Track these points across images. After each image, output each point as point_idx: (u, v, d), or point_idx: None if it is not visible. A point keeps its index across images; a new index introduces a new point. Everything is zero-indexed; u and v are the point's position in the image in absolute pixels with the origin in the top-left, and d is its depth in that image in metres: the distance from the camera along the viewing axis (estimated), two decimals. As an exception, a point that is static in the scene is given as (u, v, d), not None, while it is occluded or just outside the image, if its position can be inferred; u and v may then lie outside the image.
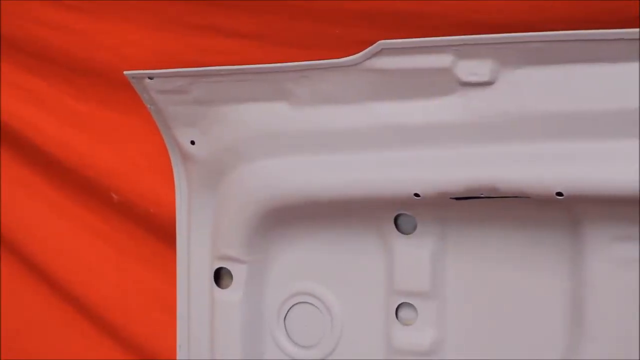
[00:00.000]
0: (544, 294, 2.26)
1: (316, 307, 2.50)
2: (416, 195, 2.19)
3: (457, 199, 2.20)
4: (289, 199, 2.36)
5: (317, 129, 2.31)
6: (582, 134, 2.04)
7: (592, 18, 2.06)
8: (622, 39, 1.98)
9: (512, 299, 2.29)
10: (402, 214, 2.34)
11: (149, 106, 2.48)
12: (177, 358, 2.60)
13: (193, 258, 2.58)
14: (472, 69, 2.11)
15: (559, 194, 2.05)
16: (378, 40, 2.16)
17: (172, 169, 2.58)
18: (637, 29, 1.96)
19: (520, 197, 2.14)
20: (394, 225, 2.35)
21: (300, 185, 2.34)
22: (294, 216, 2.42)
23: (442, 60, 2.13)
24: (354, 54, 2.18)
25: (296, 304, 2.53)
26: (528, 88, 2.08)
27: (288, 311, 2.53)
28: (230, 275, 2.51)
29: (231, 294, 2.51)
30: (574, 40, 2.00)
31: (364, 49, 2.18)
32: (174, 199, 2.56)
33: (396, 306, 2.39)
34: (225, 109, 2.45)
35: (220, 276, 2.54)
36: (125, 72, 2.41)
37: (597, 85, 2.05)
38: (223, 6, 2.51)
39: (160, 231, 2.92)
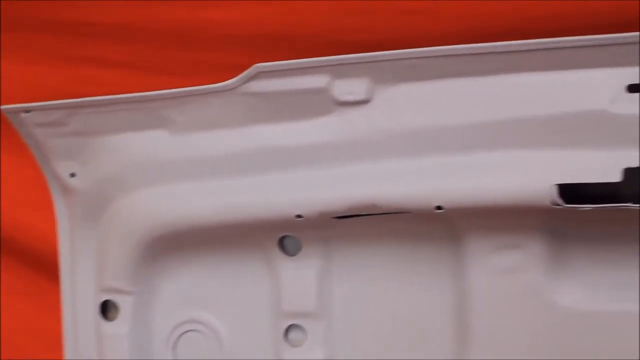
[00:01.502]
0: (430, 307, 2.25)
1: (205, 334, 2.43)
2: (298, 216, 2.15)
3: (339, 218, 2.15)
4: (171, 227, 2.29)
5: (197, 156, 2.25)
6: (458, 147, 2.04)
7: (460, 33, 2.04)
8: (491, 53, 1.96)
9: (399, 314, 2.27)
10: (286, 235, 2.28)
11: (26, 140, 2.37)
12: (67, 394, 2.50)
13: (78, 292, 2.49)
14: (348, 88, 2.09)
15: (439, 207, 2.04)
16: (253, 64, 2.10)
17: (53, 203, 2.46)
18: (506, 42, 1.97)
19: (401, 212, 2.07)
20: (278, 248, 2.30)
21: (183, 212, 2.28)
22: (178, 244, 2.35)
23: (317, 80, 2.10)
24: (231, 78, 2.11)
25: (185, 332, 2.46)
26: (403, 104, 2.07)
27: (177, 340, 2.46)
28: (117, 307, 2.42)
29: (118, 326, 2.42)
30: (445, 55, 1.98)
31: (240, 73, 2.10)
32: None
33: (285, 328, 2.34)
34: (104, 140, 2.38)
35: (106, 309, 2.45)
36: (1, 107, 2.30)
37: (469, 99, 2.05)
38: (96, 37, 2.44)
39: (44, 267, 2.80)
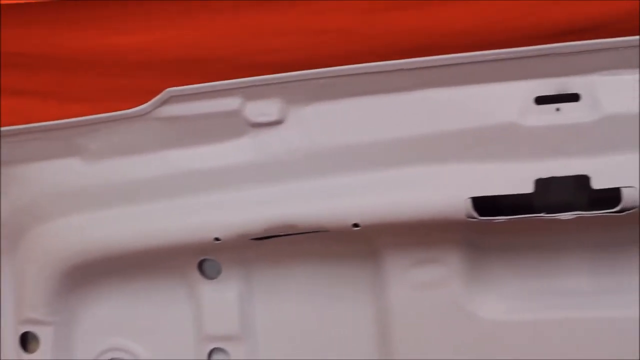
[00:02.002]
0: (352, 324, 2.24)
1: (127, 361, 2.37)
2: (216, 239, 2.13)
3: (258, 239, 2.12)
4: (89, 255, 2.25)
5: (111, 182, 2.23)
6: (372, 164, 2.05)
7: (370, 51, 2.04)
8: (402, 69, 1.96)
9: (321, 333, 2.27)
10: (205, 259, 2.25)
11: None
12: None
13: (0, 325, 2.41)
14: (261, 109, 2.08)
15: (355, 225, 2.02)
16: (165, 89, 2.07)
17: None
18: (415, 59, 2.00)
19: (319, 231, 2.06)
20: (198, 271, 2.26)
21: (100, 240, 2.24)
22: (97, 272, 2.31)
23: (230, 103, 2.09)
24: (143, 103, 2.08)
25: (108, 360, 2.39)
26: (317, 124, 2.07)
27: (100, 369, 2.39)
28: (37, 339, 2.35)
29: (39, 358, 2.34)
30: (356, 73, 1.98)
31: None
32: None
33: (208, 352, 2.31)
34: (18, 170, 2.33)
35: (26, 340, 2.38)
36: None
37: (382, 116, 2.06)
38: (6, 67, 2.37)
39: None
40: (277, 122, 2.08)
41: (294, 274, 2.24)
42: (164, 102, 2.10)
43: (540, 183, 1.97)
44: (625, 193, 1.92)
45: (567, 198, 2.02)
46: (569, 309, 2.08)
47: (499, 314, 2.12)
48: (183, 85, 2.11)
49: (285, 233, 2.13)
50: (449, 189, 2.01)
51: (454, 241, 2.09)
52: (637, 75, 1.96)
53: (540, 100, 1.98)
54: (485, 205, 2.00)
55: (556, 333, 2.06)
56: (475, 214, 1.97)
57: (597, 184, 1.95)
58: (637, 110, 1.96)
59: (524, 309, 2.10)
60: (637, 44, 1.93)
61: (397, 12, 2.05)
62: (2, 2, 2.19)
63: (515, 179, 1.98)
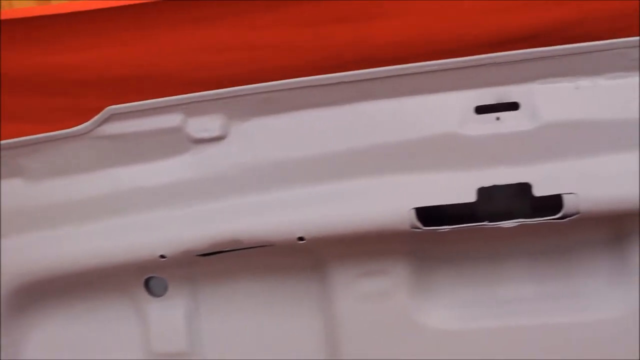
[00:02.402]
0: (301, 337, 2.24)
1: (75, 382, 2.34)
2: (162, 256, 2.11)
3: (204, 255, 2.10)
4: (34, 276, 2.22)
5: (55, 202, 2.20)
6: (316, 177, 2.05)
7: (311, 65, 2.04)
8: (343, 82, 1.98)
9: (270, 347, 2.25)
10: (151, 276, 2.22)
11: None
12: None
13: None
14: (203, 125, 2.06)
15: (301, 238, 2.01)
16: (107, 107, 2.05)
17: None
18: (356, 71, 2.01)
19: (265, 246, 2.05)
20: (144, 289, 2.23)
21: (45, 260, 2.21)
22: (44, 292, 2.28)
23: (171, 119, 2.07)
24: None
25: (56, 381, 2.36)
26: (259, 138, 2.06)
27: (48, 389, 2.36)
28: (-16, 361, 2.31)
29: (-14, 380, 2.31)
30: (297, 87, 1.98)
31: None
32: None
33: None
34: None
35: (-27, 365, 2.33)
36: None
37: (325, 129, 2.06)
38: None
39: None
40: (219, 138, 2.06)
41: (241, 288, 2.22)
42: (105, 121, 2.08)
43: (483, 192, 1.98)
44: (566, 200, 1.93)
45: (509, 206, 2.03)
46: (513, 316, 2.09)
47: (445, 323, 2.12)
48: (124, 103, 2.06)
49: (231, 248, 2.10)
50: (392, 200, 2.00)
51: (400, 252, 2.09)
52: (574, 83, 1.94)
53: (481, 109, 1.99)
54: (429, 215, 1.99)
55: (501, 340, 2.06)
56: (419, 225, 1.97)
57: (538, 191, 1.96)
58: (575, 117, 1.94)
59: (469, 317, 2.11)
60: (573, 52, 1.93)
61: (335, 25, 2.03)
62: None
63: (458, 188, 1.98)
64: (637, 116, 1.95)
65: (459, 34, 2.00)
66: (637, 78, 1.96)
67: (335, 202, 2.03)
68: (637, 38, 1.92)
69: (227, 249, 2.12)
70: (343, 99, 2.01)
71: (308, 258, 2.13)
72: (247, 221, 2.06)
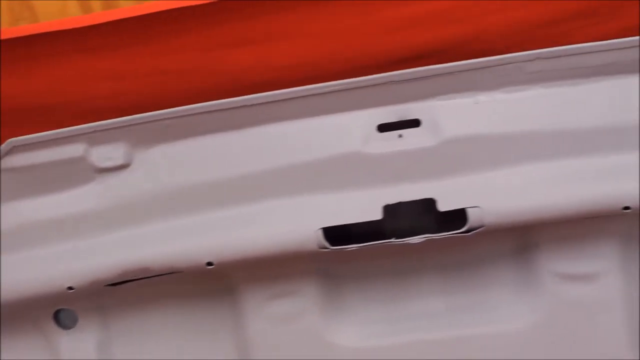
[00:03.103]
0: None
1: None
2: (70, 288, 2.06)
3: (114, 285, 2.06)
4: None
5: None
6: (222, 201, 2.05)
7: (213, 89, 2.02)
8: (244, 106, 2.02)
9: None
10: (61, 309, 2.16)
11: None
12: None
13: None
14: (106, 154, 2.04)
15: (209, 263, 1.99)
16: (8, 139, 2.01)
17: None
18: (256, 95, 2.02)
19: (175, 272, 2.02)
20: (54, 322, 2.18)
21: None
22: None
23: (74, 149, 2.04)
24: (-13, 155, 2.02)
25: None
26: (164, 165, 2.03)
27: None
28: None
29: None
30: (199, 112, 1.98)
31: (-5, 149, 2.02)
32: None
33: None
34: None
35: None
36: None
37: (228, 153, 2.08)
38: None
39: None
40: (123, 166, 2.04)
41: (153, 317, 2.19)
42: (8, 153, 2.03)
43: (389, 209, 1.98)
44: (470, 213, 1.93)
45: (415, 222, 2.02)
46: (424, 331, 2.09)
47: (357, 341, 2.12)
48: (27, 134, 2.02)
49: (140, 277, 2.06)
50: (299, 221, 2.00)
51: (309, 272, 2.08)
52: (473, 98, 1.95)
53: (383, 127, 1.99)
54: (337, 234, 1.97)
55: (414, 355, 2.06)
56: (326, 244, 1.96)
57: (443, 206, 1.96)
58: (475, 131, 1.97)
59: (381, 334, 2.11)
60: (471, 68, 1.98)
61: (237, 49, 2.02)
62: None
63: (364, 206, 1.98)
64: (537, 128, 1.95)
65: (358, 54, 2.01)
66: (536, 90, 1.96)
67: (242, 226, 2.02)
68: (535, 51, 1.93)
69: (136, 278, 2.06)
70: (246, 122, 2.00)
71: (218, 283, 2.11)
72: (155, 248, 2.03)
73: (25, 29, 2.08)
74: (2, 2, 2.25)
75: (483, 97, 1.99)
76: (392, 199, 2.00)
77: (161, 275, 2.09)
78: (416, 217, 2.03)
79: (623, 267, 2.06)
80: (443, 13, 1.99)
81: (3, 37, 2.07)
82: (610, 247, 2.04)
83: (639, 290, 2.10)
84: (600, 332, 2.06)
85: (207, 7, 2.00)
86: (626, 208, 1.96)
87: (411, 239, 1.98)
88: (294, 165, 2.02)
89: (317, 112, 2.00)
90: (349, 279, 2.13)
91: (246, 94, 2.01)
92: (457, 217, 1.98)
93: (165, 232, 2.03)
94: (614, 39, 1.95)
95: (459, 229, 1.97)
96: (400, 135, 2.00)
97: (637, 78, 1.97)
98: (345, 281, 2.13)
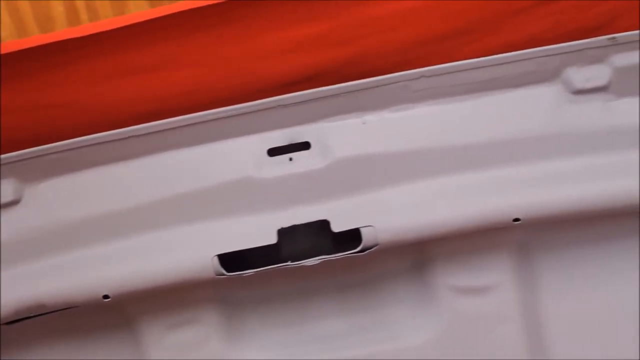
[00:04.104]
0: None
1: None
2: None
3: (10, 323, 2.01)
4: None
5: None
6: (115, 233, 2.01)
7: (102, 122, 1.99)
8: (134, 136, 2.02)
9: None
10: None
11: None
12: None
13: None
14: None
15: (106, 296, 1.96)
16: None
17: None
18: (144, 125, 2.01)
19: (72, 307, 1.98)
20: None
21: None
22: None
23: None
24: None
25: None
26: (55, 199, 2.01)
27: None
28: None
29: None
30: (86, 145, 2.00)
31: None
32: None
33: None
34: None
35: None
36: None
37: (120, 184, 2.07)
38: None
39: None
40: (13, 202, 1.99)
41: (54, 354, 2.13)
42: None
43: (283, 232, 1.96)
44: (364, 233, 1.93)
45: (311, 244, 2.01)
46: (326, 352, 2.09)
47: None
48: None
49: (36, 314, 2.00)
50: (195, 249, 1.98)
51: (209, 300, 2.06)
52: (361, 118, 1.95)
53: (273, 151, 1.98)
54: (235, 260, 1.97)
55: None
56: (223, 271, 1.94)
57: (337, 227, 1.95)
58: (364, 151, 1.99)
59: (284, 357, 2.07)
60: (357, 89, 2.00)
61: (125, 79, 2.00)
62: None
63: (259, 231, 1.97)
64: (425, 145, 1.96)
65: (244, 80, 2.00)
66: (422, 108, 1.98)
67: (137, 257, 2.00)
68: (419, 70, 1.94)
69: (32, 315, 2.01)
70: (137, 152, 1.99)
71: (117, 315, 2.07)
72: (50, 284, 1.99)
73: None
74: None
75: (371, 117, 1.99)
76: (286, 222, 1.99)
77: (58, 310, 2.01)
78: (312, 239, 2.01)
79: (517, 277, 2.06)
80: (325, 36, 2.00)
81: None
82: (504, 259, 2.05)
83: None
84: (498, 343, 2.07)
85: (93, 39, 1.97)
86: (516, 220, 1.95)
87: (307, 261, 1.97)
88: (187, 193, 2.00)
89: (207, 139, 1.99)
90: (249, 304, 2.11)
91: (135, 124, 1.97)
92: (353, 236, 1.94)
93: (60, 267, 2.00)
94: (493, 54, 1.94)
95: (354, 248, 1.93)
96: (290, 159, 1.99)
97: (517, 92, 1.97)
98: (245, 306, 2.11)
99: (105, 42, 1.97)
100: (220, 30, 2.00)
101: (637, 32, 1.96)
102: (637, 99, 2.01)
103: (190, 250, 1.99)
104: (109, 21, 1.99)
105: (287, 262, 1.99)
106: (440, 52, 2.00)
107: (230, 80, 2.02)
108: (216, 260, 1.96)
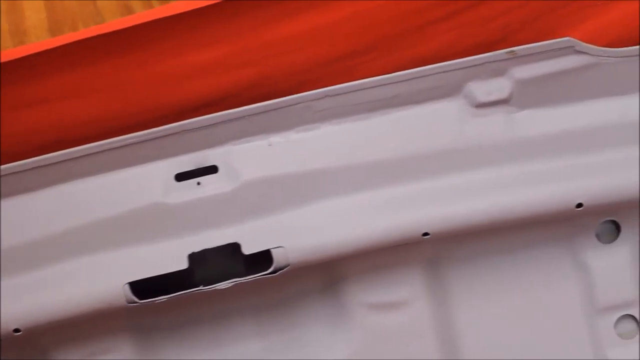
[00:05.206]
0: None
1: None
2: None
3: None
4: None
5: None
6: (23, 265, 1.99)
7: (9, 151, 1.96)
8: (39, 166, 2.01)
9: None
10: None
11: None
12: None
13: None
14: None
15: (17, 330, 1.96)
16: None
17: None
18: (52, 154, 1.99)
19: None
20: None
21: None
22: None
23: None
24: None
25: None
26: None
27: None
28: None
29: None
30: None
31: None
32: None
33: None
34: None
35: None
36: None
37: (28, 215, 2.04)
38: None
39: None
40: None
41: None
42: None
43: (194, 257, 1.94)
44: (275, 254, 1.92)
45: (223, 268, 2.00)
46: None
47: None
48: None
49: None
50: (105, 278, 1.96)
51: (123, 328, 2.04)
52: (267, 140, 1.94)
53: (181, 176, 1.97)
54: (146, 287, 1.96)
55: None
56: (135, 299, 1.91)
57: (247, 249, 1.94)
58: (272, 173, 2.00)
59: None
60: (262, 111, 2.02)
61: (27, 110, 1.96)
62: None
63: (170, 257, 1.95)
64: (332, 164, 1.96)
65: (149, 106, 1.98)
66: (327, 128, 1.97)
67: (48, 288, 1.98)
68: (322, 90, 1.94)
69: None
70: (41, 183, 1.98)
71: (30, 349, 2.03)
72: None
73: None
74: None
75: (276, 139, 1.98)
76: (197, 247, 1.97)
77: None
78: (223, 262, 2.00)
79: (429, 291, 2.07)
80: (226, 60, 1.99)
81: None
82: (415, 274, 2.05)
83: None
84: (414, 357, 2.06)
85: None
86: (425, 234, 1.95)
87: (219, 285, 1.95)
88: (95, 222, 1.98)
89: (114, 167, 1.98)
90: (164, 330, 2.09)
91: (39, 155, 1.93)
92: (265, 258, 1.93)
93: None
94: (394, 72, 1.94)
95: (266, 270, 1.92)
96: (198, 183, 1.97)
97: (420, 108, 1.97)
98: (161, 333, 2.09)
99: (4, 74, 1.93)
100: (122, 57, 1.98)
101: (535, 44, 1.95)
102: (538, 110, 2.00)
103: (101, 279, 1.97)
104: (7, 52, 1.95)
105: (199, 286, 1.94)
106: (343, 71, 2.00)
107: (134, 108, 2.00)
108: (127, 288, 1.93)
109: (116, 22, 1.97)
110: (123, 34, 1.96)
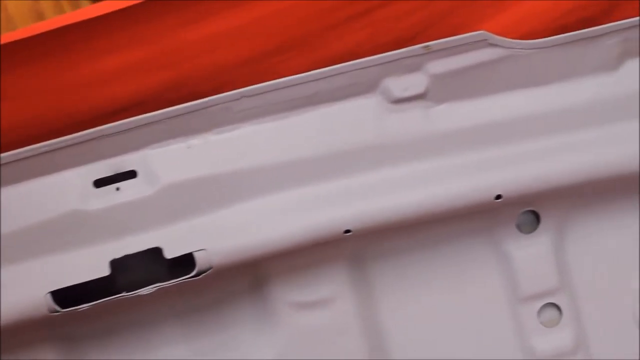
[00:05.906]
0: None
1: None
2: None
3: None
4: None
5: None
6: None
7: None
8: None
9: None
10: None
11: None
12: None
13: None
14: None
15: None
16: None
17: None
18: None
19: None
20: None
21: None
22: None
23: None
24: None
25: None
26: None
27: None
28: None
29: None
30: None
31: None
32: None
33: None
34: None
35: None
36: None
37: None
38: None
39: None
40: None
41: None
42: None
43: (116, 263, 1.92)
44: (197, 257, 1.91)
45: (145, 273, 1.98)
46: None
47: None
48: None
49: None
50: (27, 288, 1.92)
51: (47, 338, 2.04)
52: (186, 143, 1.92)
53: (99, 182, 1.94)
54: (73, 296, 1.94)
55: None
56: (57, 307, 1.89)
57: (169, 253, 1.92)
58: (191, 175, 2.01)
59: None
60: (179, 113, 1.99)
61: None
62: None
63: (91, 264, 1.93)
64: (252, 164, 1.98)
65: (65, 112, 1.94)
66: (247, 128, 1.98)
67: None
68: (239, 90, 1.93)
69: None
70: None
71: None
72: None
73: None
74: None
75: (195, 141, 1.97)
76: (118, 253, 1.95)
77: None
78: (146, 267, 1.97)
79: (353, 288, 2.07)
80: (143, 63, 1.96)
81: None
82: (339, 271, 2.05)
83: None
84: (341, 354, 2.05)
85: None
86: (347, 231, 1.94)
87: (142, 290, 1.93)
88: (13, 232, 1.94)
89: (30, 175, 1.95)
90: (90, 338, 2.07)
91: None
92: (188, 261, 1.91)
93: None
94: (311, 70, 1.94)
95: (188, 273, 1.90)
96: (117, 189, 1.95)
97: (338, 105, 1.98)
98: (86, 341, 2.07)
99: None
100: (35, 64, 1.94)
101: (450, 38, 1.96)
102: (455, 104, 2.01)
103: (22, 289, 1.94)
104: None
105: (122, 292, 1.91)
106: (260, 72, 1.99)
107: (49, 115, 1.96)
108: (49, 297, 1.91)
109: (28, 29, 1.93)
110: (38, 41, 1.92)
